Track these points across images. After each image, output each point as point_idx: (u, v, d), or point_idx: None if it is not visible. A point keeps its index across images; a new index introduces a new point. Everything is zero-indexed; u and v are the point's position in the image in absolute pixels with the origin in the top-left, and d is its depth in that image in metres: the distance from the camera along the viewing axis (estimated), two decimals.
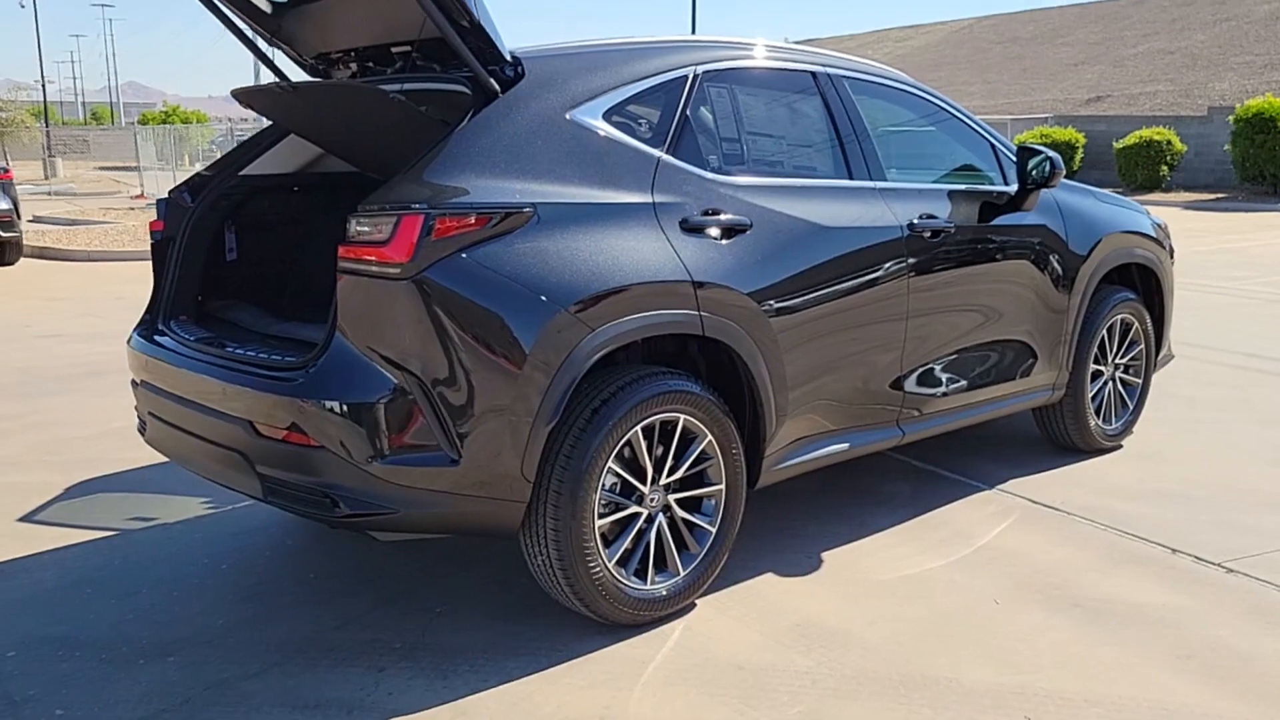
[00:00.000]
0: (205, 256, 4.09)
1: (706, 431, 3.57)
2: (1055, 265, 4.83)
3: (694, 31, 36.23)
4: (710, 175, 3.68)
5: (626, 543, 3.47)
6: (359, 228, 3.10)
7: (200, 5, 3.82)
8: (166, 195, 4.11)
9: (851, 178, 4.15)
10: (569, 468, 3.27)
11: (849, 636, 3.48)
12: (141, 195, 26.84)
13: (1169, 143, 24.36)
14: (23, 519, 4.62)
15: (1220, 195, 23.64)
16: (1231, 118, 23.38)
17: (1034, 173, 4.62)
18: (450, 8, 3.26)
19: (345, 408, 3.10)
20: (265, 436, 3.23)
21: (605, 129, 3.51)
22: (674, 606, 3.58)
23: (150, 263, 4.13)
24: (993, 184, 4.71)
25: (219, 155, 3.98)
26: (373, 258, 3.07)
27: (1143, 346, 5.45)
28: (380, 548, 4.24)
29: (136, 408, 4.02)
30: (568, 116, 3.46)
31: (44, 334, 9.07)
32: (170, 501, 4.81)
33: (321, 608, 3.72)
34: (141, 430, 3.98)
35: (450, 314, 3.10)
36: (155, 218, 4.10)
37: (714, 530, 3.66)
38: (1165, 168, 24.45)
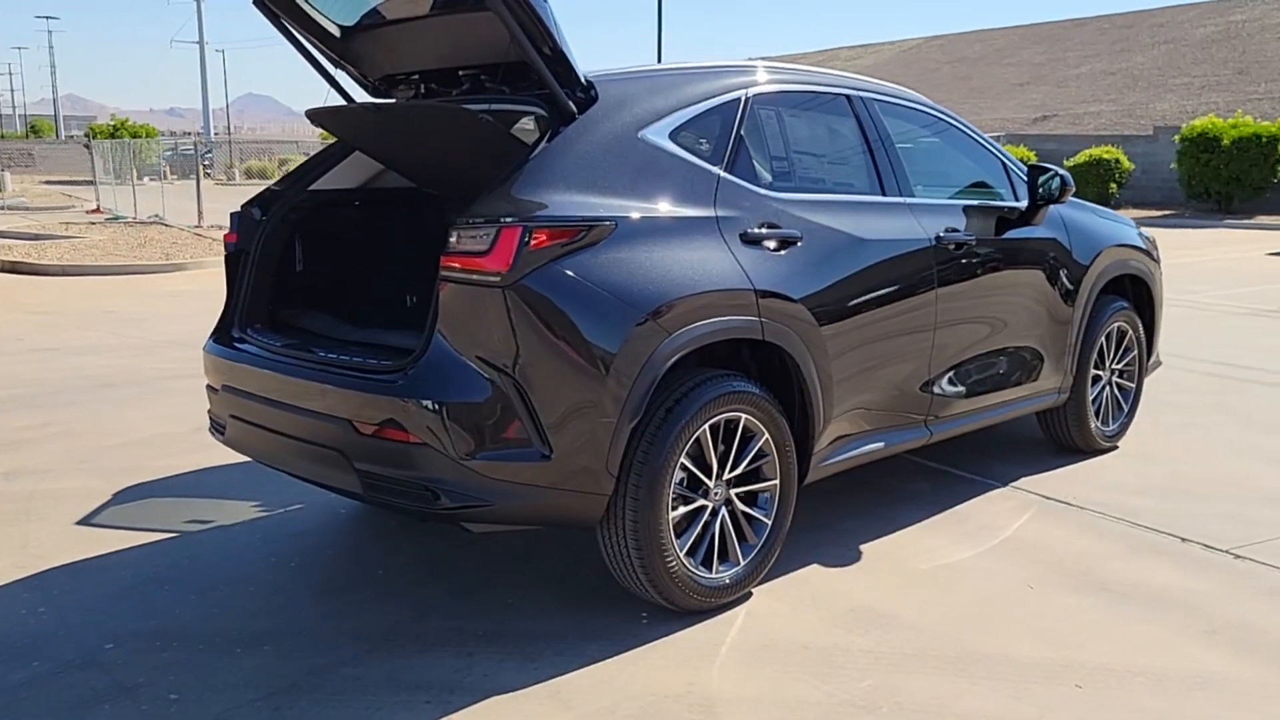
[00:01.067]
0: (276, 267, 4.27)
1: (764, 430, 3.82)
2: (1062, 276, 5.17)
3: (660, 49, 36.73)
4: (763, 191, 3.95)
5: (694, 534, 3.71)
6: (461, 239, 3.32)
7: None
8: (240, 209, 4.29)
9: (884, 194, 4.45)
10: (647, 463, 3.51)
11: (901, 619, 3.74)
12: (98, 209, 26.62)
13: (1117, 161, 25.12)
14: (80, 522, 4.75)
15: (1169, 212, 24.45)
16: (1177, 137, 24.22)
17: (1044, 189, 4.95)
18: (536, 35, 3.50)
19: (446, 406, 3.31)
20: (365, 434, 3.43)
21: (672, 148, 3.77)
22: (736, 594, 3.83)
23: (224, 272, 4.32)
24: (1004, 200, 5.03)
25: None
26: (474, 267, 3.30)
27: (1136, 353, 5.81)
28: (440, 545, 4.44)
29: (211, 411, 4.20)
30: (639, 136, 3.71)
31: (40, 348, 9.11)
32: (223, 505, 4.96)
33: (397, 601, 3.91)
34: (218, 431, 4.16)
35: (544, 319, 3.33)
36: (228, 230, 4.28)
37: (769, 522, 3.92)
38: (1114, 185, 25.21)
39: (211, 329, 4.25)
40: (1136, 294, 5.84)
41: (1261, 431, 6.10)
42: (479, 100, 4.02)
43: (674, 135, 3.80)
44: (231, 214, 4.32)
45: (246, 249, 4.24)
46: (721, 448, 3.75)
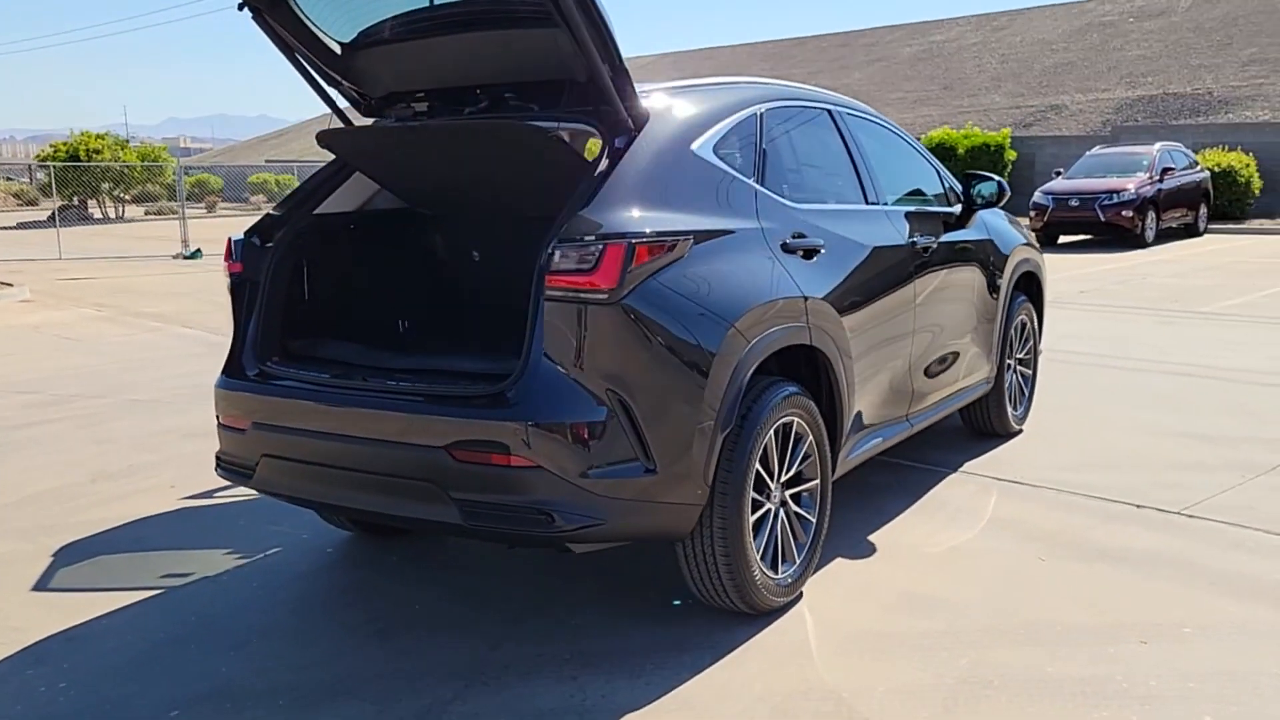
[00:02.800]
0: (286, 296, 4.03)
1: (809, 432, 3.97)
2: (993, 274, 5.61)
3: None
4: (787, 202, 4.10)
5: (763, 537, 3.80)
6: (564, 257, 3.28)
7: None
8: (242, 237, 4.02)
9: (867, 202, 4.70)
10: (733, 470, 3.58)
11: (949, 600, 3.97)
12: None
13: None
14: (38, 589, 4.30)
15: None
16: None
17: (980, 195, 5.36)
18: (605, 52, 3.51)
19: (560, 427, 3.27)
20: (465, 462, 3.32)
21: (717, 161, 3.86)
22: (797, 591, 3.95)
23: (231, 304, 4.02)
24: (947, 205, 5.41)
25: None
26: (580, 285, 3.27)
27: (1033, 342, 6.36)
28: (459, 576, 4.32)
29: (228, 453, 3.92)
30: (692, 150, 3.78)
31: None
32: (190, 556, 4.61)
33: (457, 635, 3.78)
34: (240, 474, 3.87)
35: (647, 334, 3.35)
36: (233, 260, 4.00)
37: (814, 520, 4.06)
38: None
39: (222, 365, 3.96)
40: (1029, 288, 6.39)
41: (1128, 408, 6.80)
42: (496, 117, 3.97)
43: (716, 149, 3.89)
44: (234, 241, 4.04)
45: (254, 278, 3.98)
46: (777, 451, 3.87)
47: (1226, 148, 23.04)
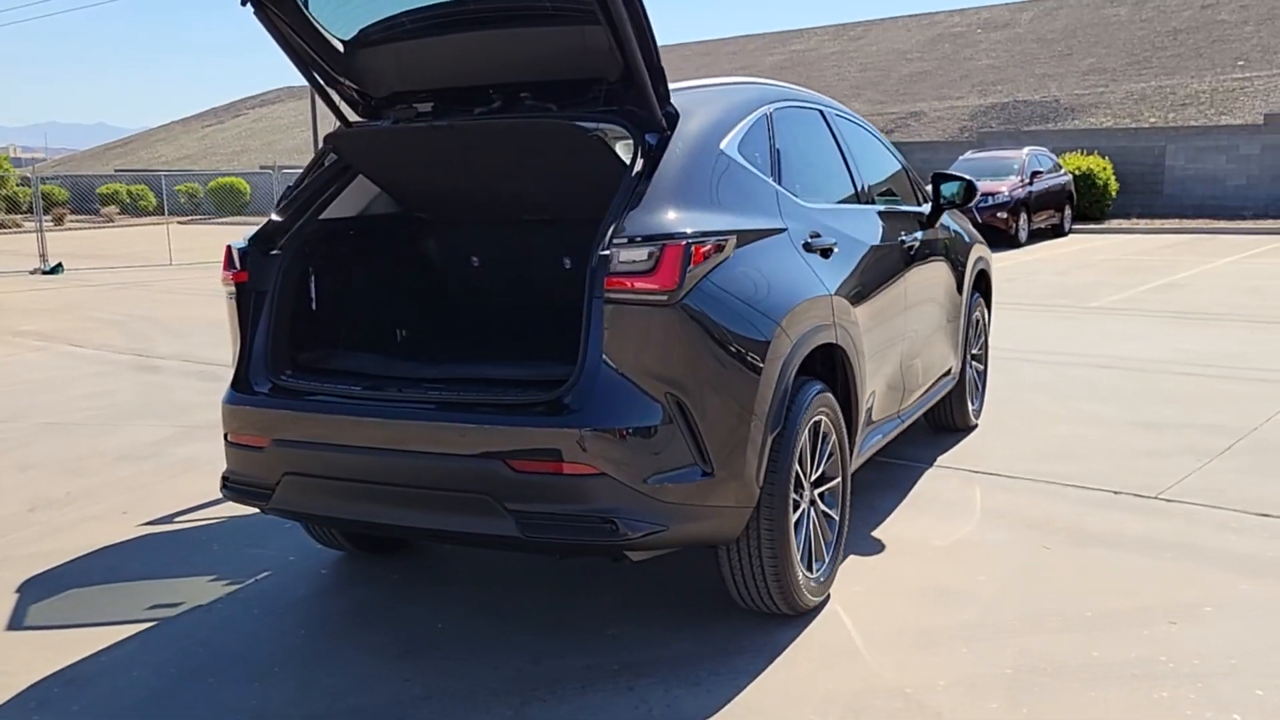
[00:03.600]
0: (294, 305, 3.83)
1: (833, 430, 3.98)
2: (960, 272, 5.74)
3: None
4: (801, 202, 4.10)
5: (800, 537, 3.78)
6: (623, 259, 3.20)
7: None
8: (245, 245, 3.80)
9: (859, 200, 4.75)
10: (778, 470, 3.55)
11: (972, 591, 4.03)
12: None
13: None
14: (13, 628, 3.98)
15: None
16: None
17: (949, 194, 5.46)
18: (646, 49, 3.44)
19: (624, 431, 3.18)
20: (523, 472, 3.20)
21: (743, 161, 3.83)
22: (828, 590, 3.95)
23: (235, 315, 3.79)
24: (919, 204, 5.51)
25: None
26: (640, 287, 3.19)
27: (985, 338, 6.53)
28: (474, 591, 4.18)
29: (240, 472, 3.69)
30: (721, 149, 3.74)
31: None
32: (173, 586, 4.34)
33: (494, 651, 3.65)
34: (254, 496, 3.65)
35: (704, 335, 3.29)
36: (236, 269, 3.78)
37: (838, 517, 4.07)
38: None
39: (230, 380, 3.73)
40: (981, 286, 6.55)
41: (1064, 399, 7.04)
42: (516, 117, 3.86)
43: (740, 149, 3.86)
44: (237, 249, 3.81)
45: (261, 287, 3.76)
46: (810, 450, 3.86)
47: (1084, 151, 24.21)
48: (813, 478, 3.88)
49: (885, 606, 3.93)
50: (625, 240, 3.23)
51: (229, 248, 3.85)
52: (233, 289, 3.80)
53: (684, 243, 3.24)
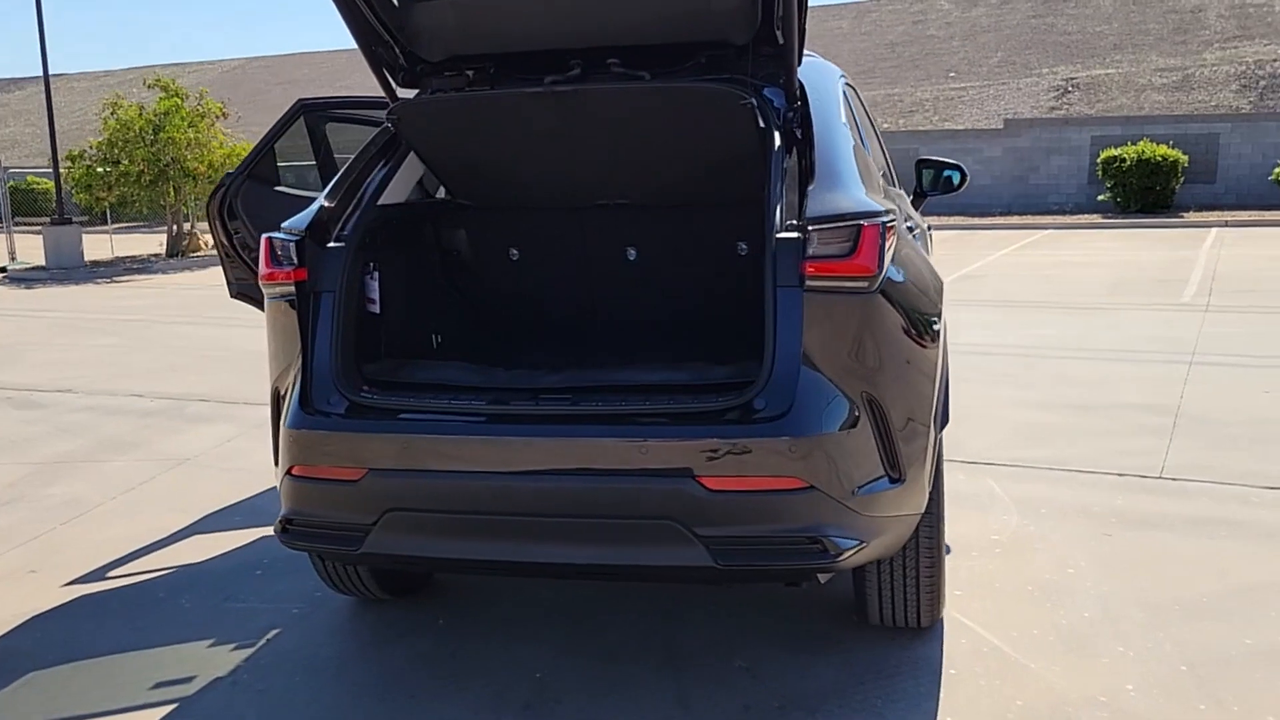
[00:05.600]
0: (357, 308, 3.16)
1: None
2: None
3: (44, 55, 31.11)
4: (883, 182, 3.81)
5: None
6: (821, 241, 2.79)
7: None
8: (298, 236, 3.09)
9: (889, 183, 4.50)
10: (939, 473, 3.25)
11: (1076, 587, 3.84)
12: None
13: None
14: None
15: None
16: None
17: (937, 181, 5.30)
18: (804, 16, 3.08)
19: (832, 438, 2.78)
20: (719, 490, 2.72)
21: (855, 137, 3.49)
22: None
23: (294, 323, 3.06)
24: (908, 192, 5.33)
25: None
26: (842, 272, 2.80)
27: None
28: (508, 630, 3.62)
29: (318, 515, 2.99)
30: (841, 121, 3.40)
31: None
32: (158, 656, 3.56)
33: (623, 696, 3.16)
34: (339, 542, 2.97)
35: (896, 324, 2.96)
36: (292, 264, 3.06)
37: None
38: None
39: (295, 398, 3.01)
40: None
41: (991, 386, 7.07)
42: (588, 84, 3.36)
43: (846, 123, 3.52)
44: (282, 243, 3.09)
45: (324, 287, 3.07)
46: None
47: None
48: None
49: (998, 608, 3.69)
50: (820, 220, 2.82)
51: (269, 240, 3.13)
52: (288, 290, 3.08)
53: (879, 222, 2.87)
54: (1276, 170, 21.78)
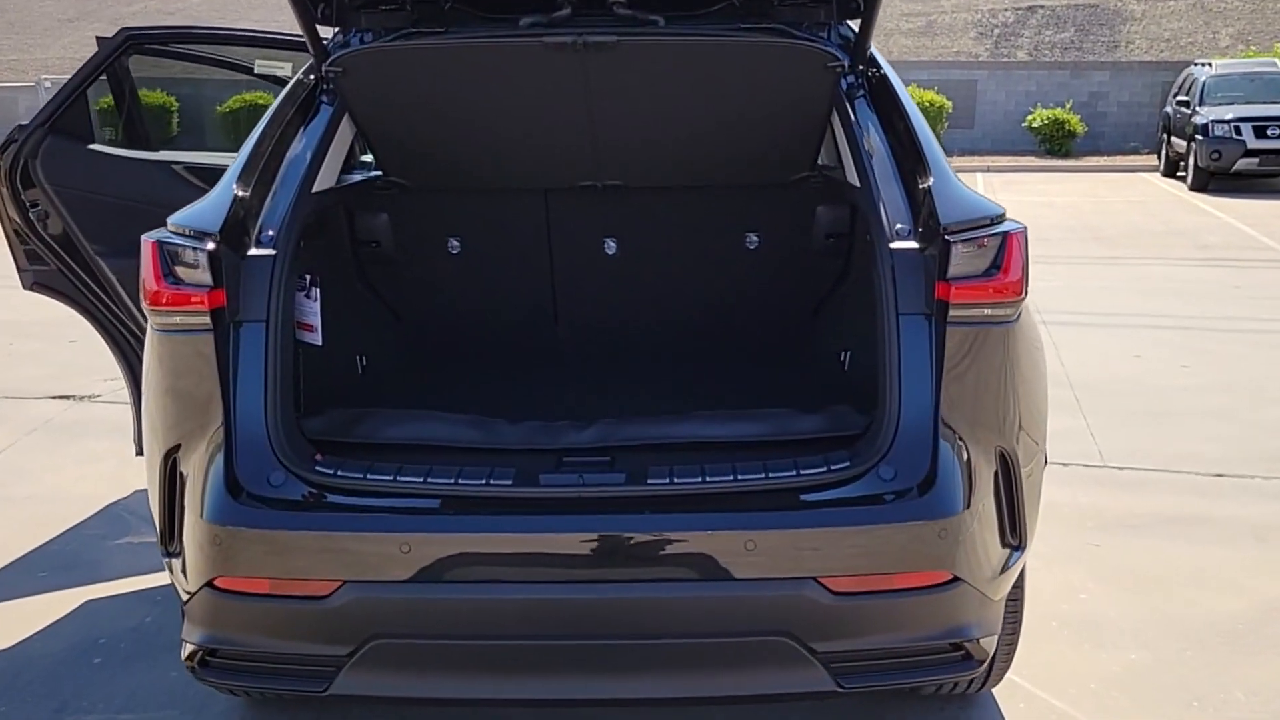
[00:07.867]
0: (294, 341, 2.20)
1: None
2: None
3: None
4: None
5: None
6: (962, 255, 2.10)
7: None
8: (206, 242, 2.09)
9: None
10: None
11: (1094, 616, 3.47)
12: None
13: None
14: None
15: None
16: None
17: None
18: None
19: (980, 513, 2.13)
20: (845, 593, 2.01)
21: None
22: None
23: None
24: None
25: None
26: (989, 298, 2.14)
27: None
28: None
29: (251, 643, 2.05)
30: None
31: None
32: None
33: None
34: (308, 679, 2.06)
35: (1029, 363, 2.37)
36: (206, 285, 2.07)
37: None
38: None
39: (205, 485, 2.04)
40: None
41: None
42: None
43: None
44: (194, 249, 2.09)
45: (250, 315, 2.11)
46: None
47: None
48: None
49: (1035, 656, 3.16)
50: (961, 227, 2.13)
51: (160, 246, 2.11)
52: (199, 320, 2.08)
53: (1021, 232, 2.21)
54: (1028, 117, 22.78)
